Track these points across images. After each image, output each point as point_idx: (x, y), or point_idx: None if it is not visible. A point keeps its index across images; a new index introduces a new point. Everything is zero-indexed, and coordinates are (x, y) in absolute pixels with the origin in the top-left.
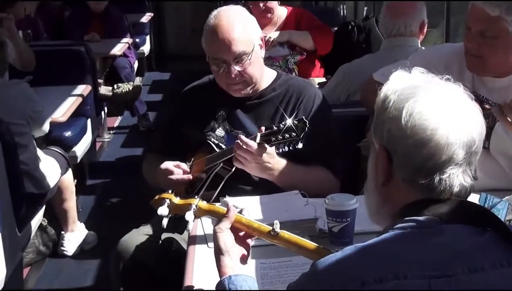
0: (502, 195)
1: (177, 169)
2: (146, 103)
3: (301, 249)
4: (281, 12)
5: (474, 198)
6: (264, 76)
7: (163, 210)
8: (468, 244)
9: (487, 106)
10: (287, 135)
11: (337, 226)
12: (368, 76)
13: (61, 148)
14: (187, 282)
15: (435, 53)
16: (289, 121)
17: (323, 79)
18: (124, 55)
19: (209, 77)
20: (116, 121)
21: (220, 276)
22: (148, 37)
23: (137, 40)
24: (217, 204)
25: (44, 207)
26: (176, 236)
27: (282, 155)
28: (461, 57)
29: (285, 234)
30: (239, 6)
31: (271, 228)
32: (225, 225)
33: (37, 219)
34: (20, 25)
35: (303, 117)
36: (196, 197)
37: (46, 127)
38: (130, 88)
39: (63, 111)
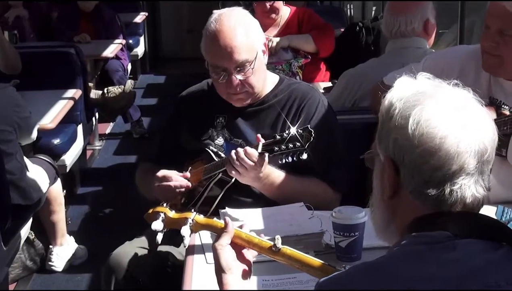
0: None
1: (176, 175)
2: (140, 108)
3: (304, 266)
4: (284, 13)
5: (490, 211)
6: (266, 81)
7: (157, 225)
8: (482, 260)
9: (505, 112)
10: (291, 145)
11: (345, 240)
12: (378, 81)
13: (49, 156)
14: None
15: (450, 56)
16: (293, 130)
17: (329, 84)
18: (117, 57)
19: (207, 81)
20: (108, 128)
21: None
22: (142, 38)
23: (130, 41)
24: (215, 218)
25: (31, 220)
26: (172, 248)
27: (281, 165)
28: (477, 59)
29: (287, 250)
30: (240, 9)
31: (272, 243)
32: (225, 241)
33: (24, 232)
34: (5, 25)
35: (308, 126)
36: (192, 210)
37: (33, 134)
38: (121, 92)
39: (51, 117)
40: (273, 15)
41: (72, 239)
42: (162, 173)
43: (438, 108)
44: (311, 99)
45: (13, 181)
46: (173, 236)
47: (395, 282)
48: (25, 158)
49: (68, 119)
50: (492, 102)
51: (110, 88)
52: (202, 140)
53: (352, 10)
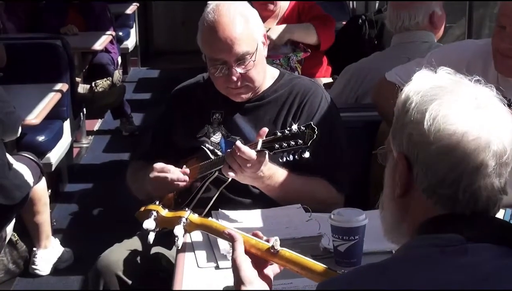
0: None
1: (174, 168)
2: (130, 104)
3: (304, 269)
4: (284, 4)
5: (498, 214)
6: (266, 76)
7: (149, 224)
8: (496, 266)
9: None
10: (292, 142)
11: (344, 244)
12: (380, 77)
13: (34, 153)
14: None
15: (456, 51)
16: (295, 127)
17: (330, 80)
18: (106, 50)
19: (202, 75)
20: (96, 124)
21: None
22: (133, 31)
23: (121, 33)
24: (210, 218)
25: (14, 221)
26: (163, 250)
27: (281, 164)
28: (485, 56)
29: (286, 252)
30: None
31: (270, 245)
32: (240, 249)
33: (6, 234)
34: None
35: (311, 122)
36: (186, 209)
37: (17, 130)
38: (110, 84)
39: (36, 112)
40: (271, 6)
41: (57, 241)
42: (160, 164)
43: (457, 104)
44: (313, 94)
45: None
46: (164, 237)
47: (403, 286)
48: (8, 155)
49: (54, 115)
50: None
51: (98, 81)
52: (197, 138)
53: (354, 3)
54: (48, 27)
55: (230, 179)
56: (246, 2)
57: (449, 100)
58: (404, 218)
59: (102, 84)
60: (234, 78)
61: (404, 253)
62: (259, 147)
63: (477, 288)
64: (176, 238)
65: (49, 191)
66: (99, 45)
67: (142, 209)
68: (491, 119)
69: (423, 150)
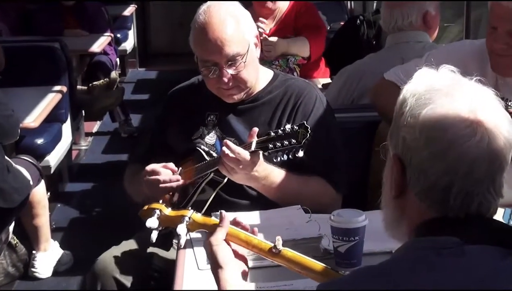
0: None
1: (165, 170)
2: (129, 105)
3: (305, 269)
4: (282, 5)
5: (497, 214)
6: (260, 77)
7: (152, 222)
8: (492, 267)
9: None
10: (286, 142)
11: (344, 245)
12: (376, 79)
13: (32, 156)
14: None
15: (454, 51)
16: (288, 127)
17: (328, 80)
18: (104, 52)
19: (197, 78)
20: (95, 126)
21: None
22: (131, 32)
23: (119, 35)
24: (213, 217)
25: (13, 224)
26: (162, 252)
27: (280, 164)
28: (482, 55)
29: (288, 252)
30: (227, 2)
31: (272, 244)
32: (221, 236)
33: (5, 237)
34: None
35: (305, 122)
36: (189, 208)
37: (16, 133)
38: (107, 84)
39: (35, 115)
40: (270, 4)
41: (56, 244)
42: (150, 167)
43: (451, 108)
44: (307, 95)
45: None
46: (163, 239)
47: (397, 286)
48: (6, 158)
49: (53, 118)
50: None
51: (95, 83)
52: (192, 139)
53: (352, 3)
54: (41, 30)
55: (225, 180)
56: (238, 3)
57: (442, 104)
58: (402, 218)
59: (99, 84)
60: (225, 79)
61: (401, 255)
62: (253, 147)
63: (474, 289)
64: (179, 237)
65: (48, 193)
66: (97, 47)
67: (146, 207)
68: (486, 124)
69: (416, 154)
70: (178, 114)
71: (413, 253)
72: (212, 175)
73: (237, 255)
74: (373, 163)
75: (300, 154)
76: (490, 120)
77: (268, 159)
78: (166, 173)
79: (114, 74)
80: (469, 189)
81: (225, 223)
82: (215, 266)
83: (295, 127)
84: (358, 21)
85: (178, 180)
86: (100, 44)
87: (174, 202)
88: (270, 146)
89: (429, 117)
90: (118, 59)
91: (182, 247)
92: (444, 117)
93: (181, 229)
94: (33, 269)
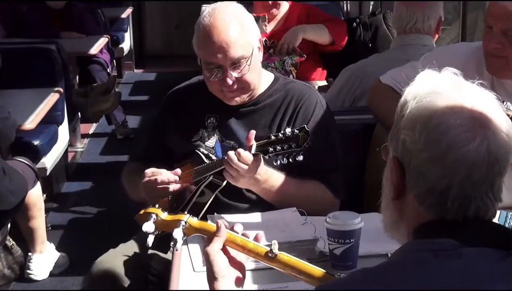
0: None
1: (165, 171)
2: (124, 106)
3: (302, 273)
4: (283, 7)
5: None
6: (261, 80)
7: (148, 226)
8: (490, 269)
9: (509, 113)
10: (286, 146)
11: (340, 247)
12: (376, 80)
13: (28, 158)
14: None
15: (450, 54)
16: (288, 130)
17: (325, 83)
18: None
19: (198, 78)
20: (91, 128)
21: None
22: (127, 34)
23: (115, 37)
24: (210, 222)
25: (9, 226)
26: (159, 255)
27: (279, 167)
28: (478, 57)
29: (285, 256)
30: (235, 3)
31: (268, 249)
32: (218, 246)
33: (1, 239)
34: None
35: (305, 125)
36: (186, 212)
37: (12, 136)
38: (105, 88)
39: (31, 117)
40: (274, 10)
41: (52, 246)
42: (151, 169)
43: (451, 112)
44: (308, 99)
45: None
46: (160, 241)
47: (394, 288)
48: (2, 160)
49: (49, 120)
50: None
51: (93, 85)
52: (192, 142)
53: (349, 6)
54: (33, 32)
55: (224, 183)
56: (241, 6)
57: (443, 108)
58: (401, 219)
59: (97, 87)
60: (230, 81)
61: (398, 257)
62: (253, 150)
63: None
64: (175, 241)
65: (44, 195)
66: (93, 49)
67: (142, 211)
68: (486, 129)
69: (415, 156)
70: (178, 115)
71: (411, 255)
72: (211, 177)
73: (234, 263)
74: (369, 165)
75: (300, 157)
76: (491, 125)
77: (268, 162)
78: (165, 173)
79: (111, 79)
80: (467, 192)
81: (222, 232)
82: (211, 276)
83: (295, 131)
84: (355, 24)
85: (176, 181)
86: (96, 46)
87: (172, 205)
88: (271, 149)
89: (429, 120)
90: (114, 61)
91: (179, 250)
92: (444, 121)
93: (178, 233)
94: (28, 271)
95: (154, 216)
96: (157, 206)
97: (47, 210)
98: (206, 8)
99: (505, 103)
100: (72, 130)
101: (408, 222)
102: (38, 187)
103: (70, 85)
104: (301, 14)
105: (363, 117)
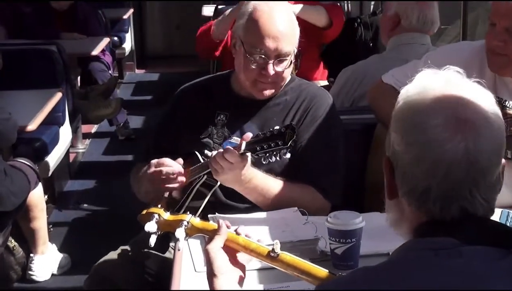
0: None
1: (170, 161)
2: (126, 107)
3: (304, 273)
4: None
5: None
6: None
7: (151, 226)
8: (490, 267)
9: (510, 111)
10: (273, 143)
11: (341, 247)
12: (377, 79)
13: (30, 159)
14: None
15: (453, 52)
16: (276, 128)
17: (326, 82)
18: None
19: (207, 77)
20: (92, 129)
21: None
22: (128, 35)
23: (116, 38)
24: (212, 222)
25: (10, 227)
26: (158, 256)
27: (269, 166)
28: (481, 56)
29: (287, 256)
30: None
31: (270, 248)
32: (218, 244)
33: (3, 240)
34: None
35: (292, 123)
36: (188, 212)
37: (13, 137)
38: (105, 89)
39: (32, 118)
40: None
41: (54, 247)
42: (156, 160)
43: (432, 112)
44: (320, 101)
45: None
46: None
47: (398, 288)
48: (3, 162)
49: (50, 121)
50: (497, 102)
51: (93, 86)
52: (201, 138)
53: (349, 5)
54: (35, 33)
55: (218, 183)
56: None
57: (427, 107)
58: (402, 219)
59: (97, 89)
60: (271, 72)
61: (399, 256)
62: (242, 148)
63: (470, 289)
64: (178, 241)
65: (46, 196)
66: (95, 50)
67: (144, 212)
68: (469, 128)
69: (400, 158)
70: (187, 112)
71: (411, 254)
72: (205, 177)
73: (235, 262)
74: (370, 165)
75: (287, 155)
76: (473, 125)
77: (257, 162)
78: (173, 164)
79: (112, 80)
80: (447, 193)
81: (222, 230)
82: (211, 273)
83: (282, 128)
84: (355, 24)
85: (180, 173)
86: (98, 47)
87: (169, 204)
88: (258, 147)
89: (411, 121)
90: (115, 62)
91: (181, 250)
92: (424, 121)
93: (180, 233)
94: (30, 272)
95: (156, 216)
96: (159, 206)
97: (48, 211)
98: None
99: (507, 102)
100: (74, 131)
101: (408, 222)
102: (39, 188)
103: (71, 86)
104: None
105: (364, 117)
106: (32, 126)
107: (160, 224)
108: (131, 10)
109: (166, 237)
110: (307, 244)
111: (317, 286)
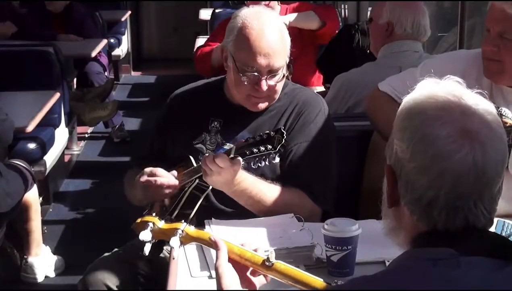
0: None
1: (165, 172)
2: (121, 109)
3: (298, 282)
4: (275, 10)
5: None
6: None
7: (145, 235)
8: (487, 278)
9: (507, 120)
10: (262, 148)
11: (337, 254)
12: (372, 88)
13: (25, 161)
14: None
15: (450, 61)
16: (266, 132)
17: (322, 88)
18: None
19: (202, 81)
20: (87, 131)
21: None
22: (124, 37)
23: (113, 40)
24: (206, 230)
25: (5, 228)
26: (153, 261)
27: (260, 171)
28: (478, 65)
29: (281, 265)
30: (270, 10)
31: (265, 257)
32: (223, 259)
33: None
34: None
35: (281, 127)
36: (182, 221)
37: (10, 138)
38: (101, 91)
39: (28, 120)
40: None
41: (48, 249)
42: (150, 168)
43: (441, 122)
44: (312, 105)
45: None
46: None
47: None
48: None
49: (46, 122)
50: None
51: (90, 88)
52: (194, 144)
53: (347, 11)
54: (32, 34)
55: (210, 188)
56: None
57: (432, 117)
58: (399, 228)
59: (93, 91)
60: (264, 88)
61: (398, 265)
62: (232, 153)
63: None
64: (172, 249)
65: (41, 198)
66: (92, 52)
67: (139, 220)
68: (475, 139)
69: (404, 167)
70: (181, 117)
71: (410, 264)
72: (197, 181)
73: (248, 282)
74: (366, 171)
75: (276, 159)
76: (480, 136)
77: (248, 166)
78: (166, 175)
79: (109, 82)
80: (453, 204)
81: (220, 245)
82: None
83: (271, 132)
84: (353, 30)
85: (176, 186)
86: (95, 49)
87: (163, 210)
88: (247, 152)
89: (417, 130)
90: (111, 64)
91: (176, 258)
92: (431, 132)
93: (174, 241)
94: (24, 274)
95: (151, 224)
96: (153, 214)
97: (43, 213)
98: (244, 11)
99: (503, 110)
100: (69, 133)
101: (406, 231)
102: (34, 190)
103: (68, 88)
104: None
105: (360, 123)
106: (28, 127)
107: (155, 232)
108: (128, 12)
109: (160, 242)
110: (303, 251)
111: None
